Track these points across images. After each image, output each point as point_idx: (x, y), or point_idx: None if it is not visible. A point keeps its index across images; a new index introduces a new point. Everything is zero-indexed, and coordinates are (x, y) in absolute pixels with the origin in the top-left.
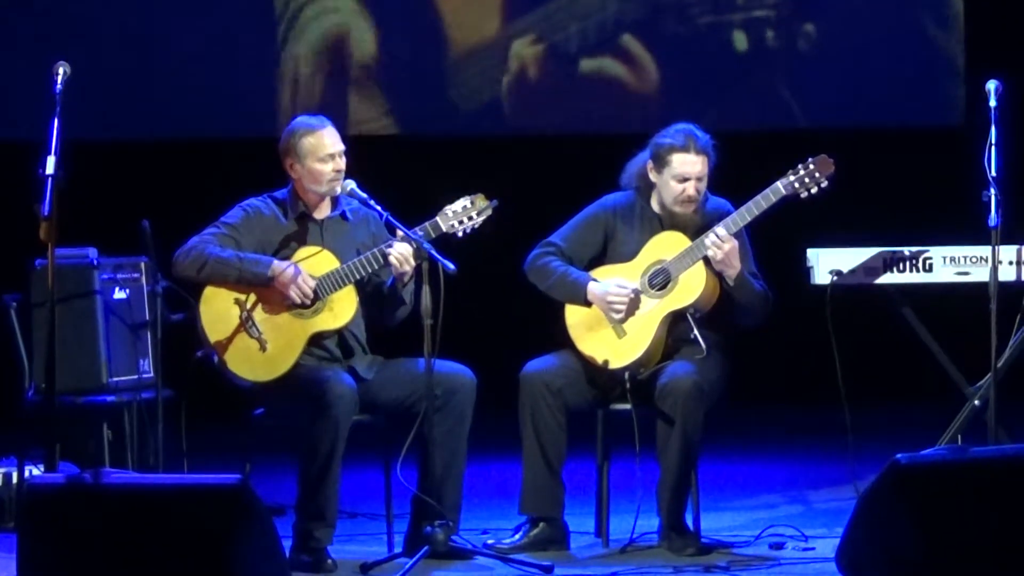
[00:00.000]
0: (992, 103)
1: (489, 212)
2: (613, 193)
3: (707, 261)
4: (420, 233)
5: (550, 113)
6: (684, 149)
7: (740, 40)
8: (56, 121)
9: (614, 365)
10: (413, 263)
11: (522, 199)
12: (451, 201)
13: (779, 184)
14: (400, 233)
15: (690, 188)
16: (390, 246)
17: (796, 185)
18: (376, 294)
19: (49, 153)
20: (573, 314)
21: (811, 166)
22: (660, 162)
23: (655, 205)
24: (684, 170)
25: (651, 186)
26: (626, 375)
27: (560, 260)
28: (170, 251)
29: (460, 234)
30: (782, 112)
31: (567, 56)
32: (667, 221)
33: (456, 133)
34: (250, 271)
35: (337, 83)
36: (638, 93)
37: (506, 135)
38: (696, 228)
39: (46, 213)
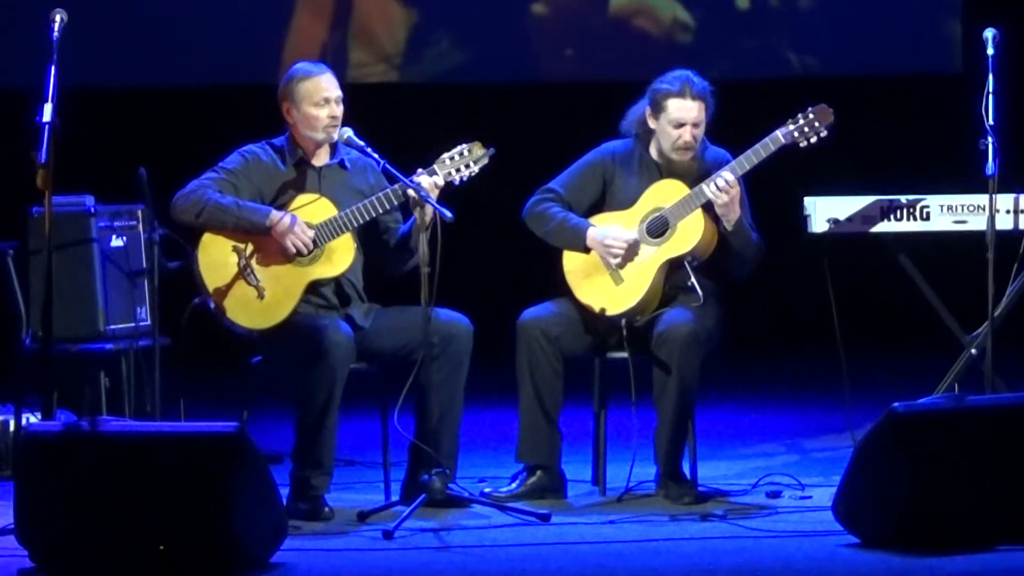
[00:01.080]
0: (990, 51)
1: (486, 160)
2: (613, 140)
3: (706, 209)
4: (417, 181)
5: (549, 60)
6: (680, 94)
7: None
8: (53, 68)
9: (611, 312)
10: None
11: (520, 147)
12: (448, 149)
13: (778, 133)
14: (420, 171)
15: (686, 134)
16: (387, 193)
17: (795, 134)
18: (386, 243)
19: (46, 100)
20: (571, 261)
21: (810, 115)
22: (657, 108)
23: (654, 153)
24: (680, 115)
25: (650, 133)
26: (623, 322)
27: (559, 206)
28: (167, 199)
29: (457, 182)
30: (780, 60)
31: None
32: (666, 169)
33: (455, 80)
34: (248, 219)
35: (338, 31)
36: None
37: (505, 83)
38: (694, 176)
39: (43, 160)
